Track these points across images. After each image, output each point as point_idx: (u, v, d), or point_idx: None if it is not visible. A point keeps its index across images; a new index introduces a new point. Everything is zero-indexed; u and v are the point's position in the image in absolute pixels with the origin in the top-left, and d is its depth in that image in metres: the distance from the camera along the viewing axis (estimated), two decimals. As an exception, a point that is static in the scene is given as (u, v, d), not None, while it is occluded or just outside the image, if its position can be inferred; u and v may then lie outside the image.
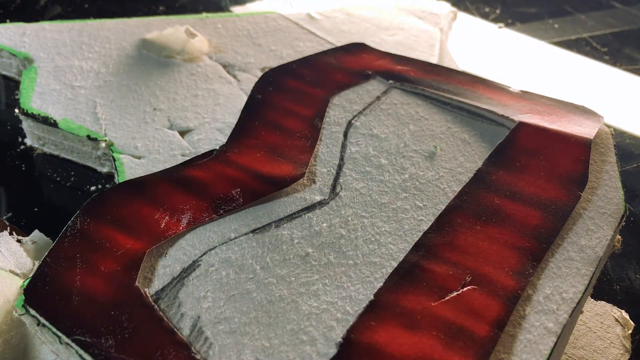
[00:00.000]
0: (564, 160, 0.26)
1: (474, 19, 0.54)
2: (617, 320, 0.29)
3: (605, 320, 0.29)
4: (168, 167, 0.27)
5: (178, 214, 0.25)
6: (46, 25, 0.41)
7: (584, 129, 0.28)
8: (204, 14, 0.43)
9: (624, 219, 0.25)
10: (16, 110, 0.37)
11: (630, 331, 0.29)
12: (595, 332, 0.29)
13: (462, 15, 0.53)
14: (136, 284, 0.23)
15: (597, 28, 0.54)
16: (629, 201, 0.38)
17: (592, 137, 0.27)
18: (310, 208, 0.25)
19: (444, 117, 0.29)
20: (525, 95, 0.30)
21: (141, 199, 0.26)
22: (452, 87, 0.30)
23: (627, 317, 0.30)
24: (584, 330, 0.29)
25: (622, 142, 0.43)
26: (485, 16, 0.54)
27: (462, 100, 0.29)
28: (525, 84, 0.47)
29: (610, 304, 0.30)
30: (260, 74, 0.37)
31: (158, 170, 0.27)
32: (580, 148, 0.27)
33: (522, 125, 0.28)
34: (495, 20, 0.54)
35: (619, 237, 0.27)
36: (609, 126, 0.43)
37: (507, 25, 0.53)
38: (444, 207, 0.25)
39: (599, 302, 0.30)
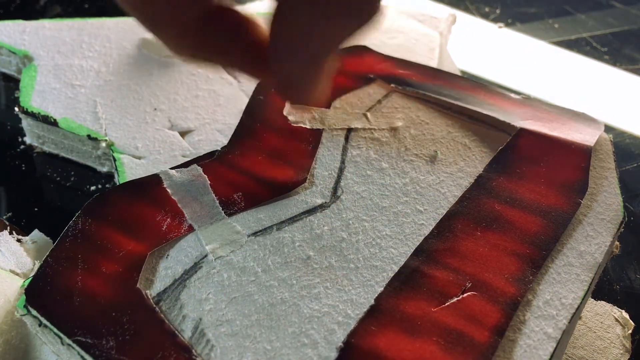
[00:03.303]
0: (564, 167, 0.27)
1: (474, 18, 0.54)
2: (617, 320, 0.29)
3: (605, 320, 0.29)
4: (169, 168, 0.27)
5: (180, 216, 0.25)
6: (46, 23, 0.41)
7: (584, 137, 0.28)
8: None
9: (623, 225, 0.25)
10: (16, 109, 0.37)
11: (630, 331, 0.29)
12: (595, 332, 0.29)
13: (462, 15, 0.53)
14: (138, 285, 0.23)
15: (597, 28, 0.54)
16: (629, 201, 0.38)
17: (592, 145, 0.27)
18: (311, 211, 0.26)
19: (445, 122, 0.29)
20: (526, 102, 0.30)
21: (143, 200, 0.26)
22: (454, 92, 0.30)
23: (627, 317, 0.30)
24: (584, 330, 0.29)
25: (622, 142, 0.43)
26: (485, 16, 0.54)
27: (463, 105, 0.29)
28: (525, 84, 0.47)
29: (610, 304, 0.30)
30: (260, 74, 0.37)
31: (159, 171, 0.27)
32: (581, 155, 0.27)
33: (523, 131, 0.28)
34: (495, 20, 0.54)
35: (617, 243, 0.27)
36: (609, 126, 0.43)
37: (507, 25, 0.53)
38: (444, 212, 0.26)
39: (599, 302, 0.30)
